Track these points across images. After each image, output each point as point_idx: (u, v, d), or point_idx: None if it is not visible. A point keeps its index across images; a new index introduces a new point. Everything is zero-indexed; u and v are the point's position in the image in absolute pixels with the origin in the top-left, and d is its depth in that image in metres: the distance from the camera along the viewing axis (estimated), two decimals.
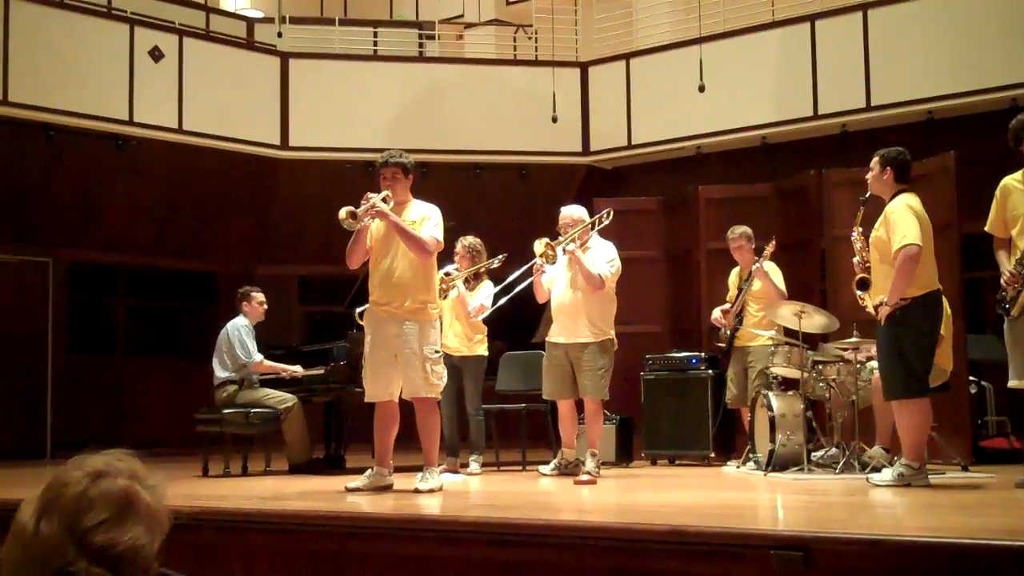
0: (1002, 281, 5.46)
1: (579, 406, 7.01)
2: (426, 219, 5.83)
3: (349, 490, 5.65)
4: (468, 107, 12.03)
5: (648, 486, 6.61)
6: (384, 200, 5.78)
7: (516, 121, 11.93)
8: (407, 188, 5.93)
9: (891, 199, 5.71)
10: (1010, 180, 5.57)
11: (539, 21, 12.59)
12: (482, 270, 7.57)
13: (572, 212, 6.94)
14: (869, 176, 5.83)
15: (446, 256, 6.90)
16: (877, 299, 5.63)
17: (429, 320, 5.83)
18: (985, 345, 8.83)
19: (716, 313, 7.90)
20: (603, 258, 6.76)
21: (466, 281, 7.56)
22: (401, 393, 5.88)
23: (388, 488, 5.78)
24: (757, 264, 7.57)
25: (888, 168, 5.73)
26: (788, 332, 7.17)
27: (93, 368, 11.59)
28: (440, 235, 5.84)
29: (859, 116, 10.44)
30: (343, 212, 5.61)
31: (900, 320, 5.49)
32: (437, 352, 5.86)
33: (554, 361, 6.84)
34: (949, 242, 7.35)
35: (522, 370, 8.06)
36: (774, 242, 7.62)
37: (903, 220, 5.51)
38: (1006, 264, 5.50)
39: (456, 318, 7.52)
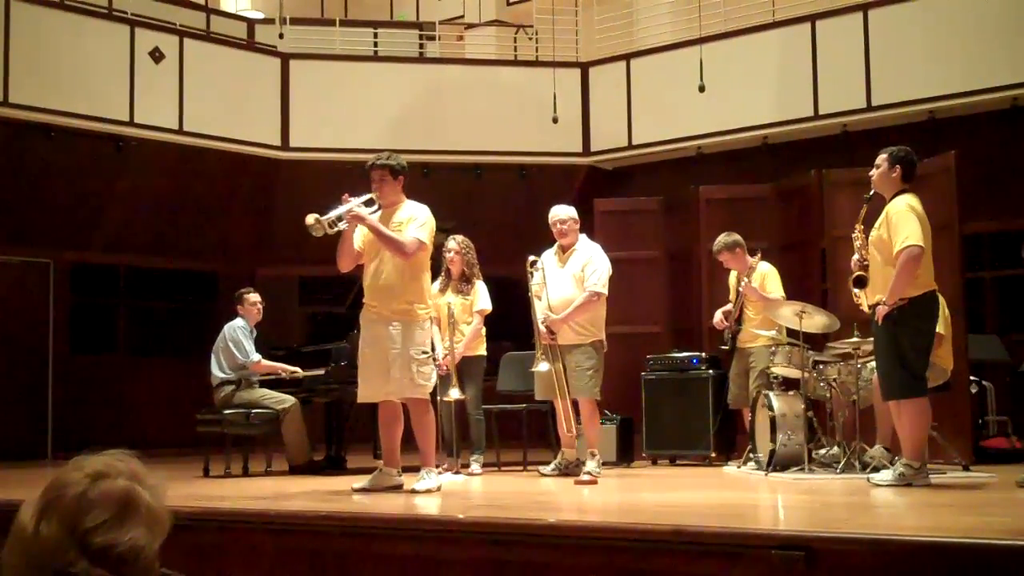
0: None
1: (577, 407, 7.00)
2: (412, 220, 5.79)
3: (355, 490, 5.63)
4: (469, 108, 12.01)
5: (649, 486, 6.61)
6: (368, 203, 5.79)
7: (516, 121, 11.91)
8: (398, 190, 5.89)
9: (892, 198, 5.70)
10: None
11: (539, 22, 12.57)
12: (473, 272, 7.49)
13: (562, 213, 6.93)
14: (875, 173, 5.80)
15: (439, 254, 6.86)
16: (875, 298, 5.63)
17: (416, 321, 5.78)
18: (986, 345, 8.83)
19: (718, 316, 7.90)
20: (591, 268, 6.76)
21: (460, 285, 7.48)
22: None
23: (397, 488, 5.75)
24: (744, 282, 7.56)
25: (897, 166, 5.71)
26: (790, 332, 7.17)
27: (94, 369, 11.58)
28: (425, 236, 5.76)
29: (860, 116, 10.42)
30: (309, 218, 5.58)
31: (897, 320, 5.48)
32: (425, 353, 5.81)
33: None
34: (950, 242, 7.34)
35: (523, 371, 8.05)
36: (759, 256, 7.64)
37: (905, 220, 5.50)
38: None
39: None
